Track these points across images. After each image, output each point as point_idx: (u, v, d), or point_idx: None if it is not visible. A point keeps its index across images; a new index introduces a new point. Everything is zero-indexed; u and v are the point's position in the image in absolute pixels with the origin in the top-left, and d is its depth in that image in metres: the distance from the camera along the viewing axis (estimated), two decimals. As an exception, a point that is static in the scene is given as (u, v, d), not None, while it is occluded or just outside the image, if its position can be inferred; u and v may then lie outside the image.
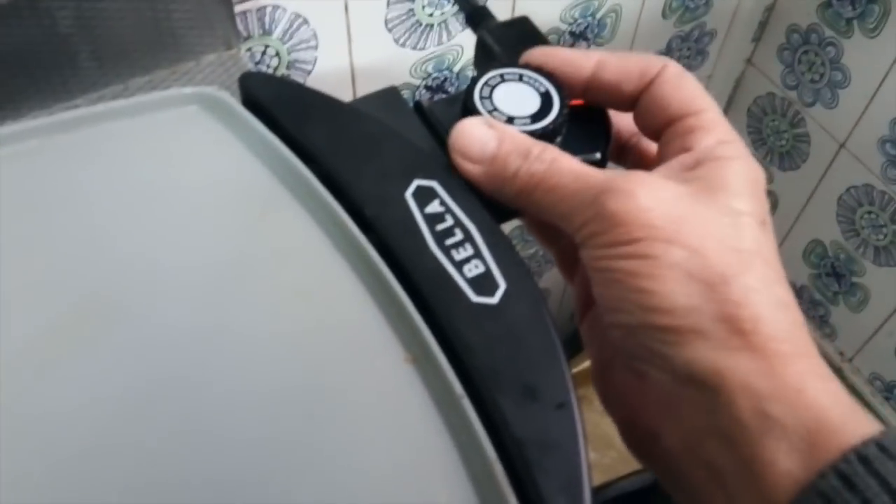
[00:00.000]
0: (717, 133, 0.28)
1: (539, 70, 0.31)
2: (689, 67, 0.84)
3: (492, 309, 0.26)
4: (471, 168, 0.29)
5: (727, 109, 0.98)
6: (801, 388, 0.23)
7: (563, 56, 0.31)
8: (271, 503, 0.23)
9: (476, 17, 0.37)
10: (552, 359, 0.25)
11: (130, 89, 0.37)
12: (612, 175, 0.27)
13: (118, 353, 0.25)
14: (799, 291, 1.06)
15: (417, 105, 0.33)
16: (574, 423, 0.24)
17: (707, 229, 0.25)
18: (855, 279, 0.97)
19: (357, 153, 0.30)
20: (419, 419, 0.24)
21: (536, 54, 0.32)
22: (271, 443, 0.24)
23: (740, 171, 0.27)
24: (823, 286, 1.02)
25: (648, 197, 0.25)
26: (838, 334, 1.04)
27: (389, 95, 0.33)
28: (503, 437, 0.23)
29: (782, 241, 1.04)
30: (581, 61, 0.31)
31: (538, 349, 0.25)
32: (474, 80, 0.32)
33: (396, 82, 0.56)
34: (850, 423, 0.22)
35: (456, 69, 0.58)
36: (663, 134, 0.29)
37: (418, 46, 0.54)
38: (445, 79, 0.58)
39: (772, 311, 0.24)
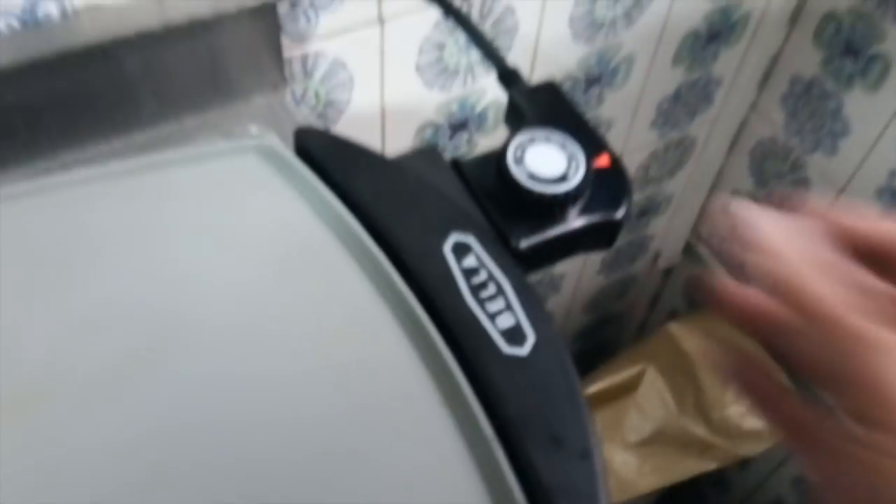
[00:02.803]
0: None
1: (569, 132, 0.34)
2: (695, 112, 0.87)
3: (522, 360, 0.29)
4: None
5: (730, 152, 1.01)
6: None
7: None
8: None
9: (507, 78, 0.40)
10: (576, 409, 0.28)
11: (185, 128, 0.40)
12: None
13: (162, 394, 0.27)
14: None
15: (455, 163, 0.35)
16: (595, 472, 0.26)
17: None
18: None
19: (400, 206, 0.32)
20: (453, 462, 0.27)
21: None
22: (308, 479, 0.26)
23: None
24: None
25: None
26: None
27: (429, 153, 0.36)
28: (531, 483, 0.26)
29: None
30: None
31: (564, 400, 0.28)
32: (507, 141, 0.35)
33: (422, 120, 0.59)
34: None
35: (478, 110, 0.61)
36: None
37: (445, 88, 0.57)
38: (468, 118, 0.61)
39: None
